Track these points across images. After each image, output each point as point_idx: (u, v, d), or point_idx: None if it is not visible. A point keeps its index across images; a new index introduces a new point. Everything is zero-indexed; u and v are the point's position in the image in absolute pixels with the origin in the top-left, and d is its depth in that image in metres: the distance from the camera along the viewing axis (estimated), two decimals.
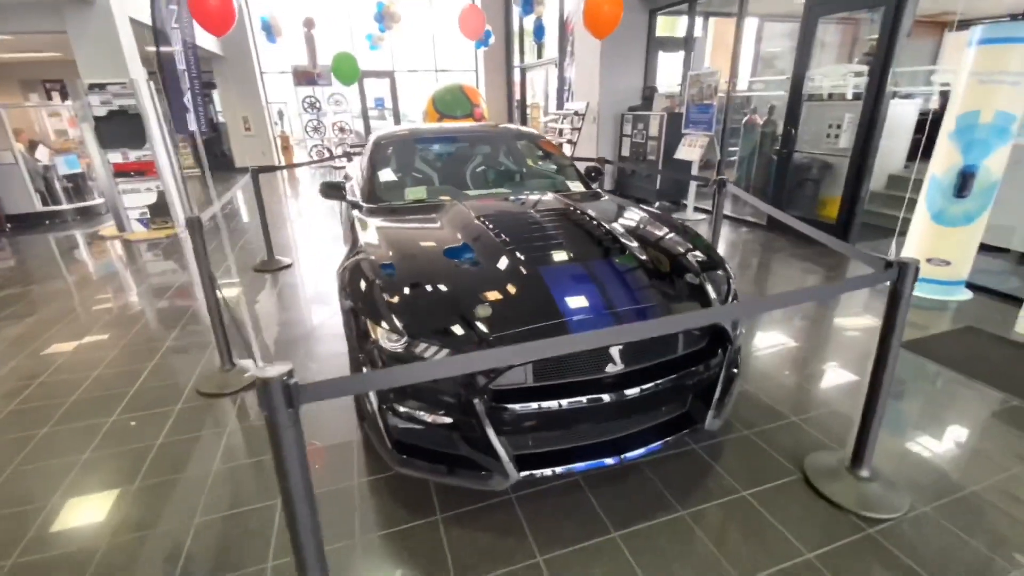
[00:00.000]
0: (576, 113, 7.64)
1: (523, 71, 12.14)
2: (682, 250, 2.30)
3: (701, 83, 6.14)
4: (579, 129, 7.86)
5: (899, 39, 4.48)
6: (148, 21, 6.05)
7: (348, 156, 6.68)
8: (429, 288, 1.96)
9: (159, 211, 6.33)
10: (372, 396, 1.88)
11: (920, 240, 4.09)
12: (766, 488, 2.03)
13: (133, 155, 5.98)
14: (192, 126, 6.08)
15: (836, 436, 2.33)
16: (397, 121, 13.37)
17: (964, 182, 3.76)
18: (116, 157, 5.92)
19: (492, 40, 10.34)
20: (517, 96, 12.81)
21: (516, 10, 11.97)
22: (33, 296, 4.42)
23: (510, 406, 1.74)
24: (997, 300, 3.95)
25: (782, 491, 2.02)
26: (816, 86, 7.20)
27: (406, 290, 1.94)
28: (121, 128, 5.75)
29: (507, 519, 1.90)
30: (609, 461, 1.86)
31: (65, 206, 7.46)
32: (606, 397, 1.80)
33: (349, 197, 3.12)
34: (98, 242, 6.20)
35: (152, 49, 6.28)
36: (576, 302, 1.87)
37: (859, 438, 2.02)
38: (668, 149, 6.85)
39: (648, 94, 7.47)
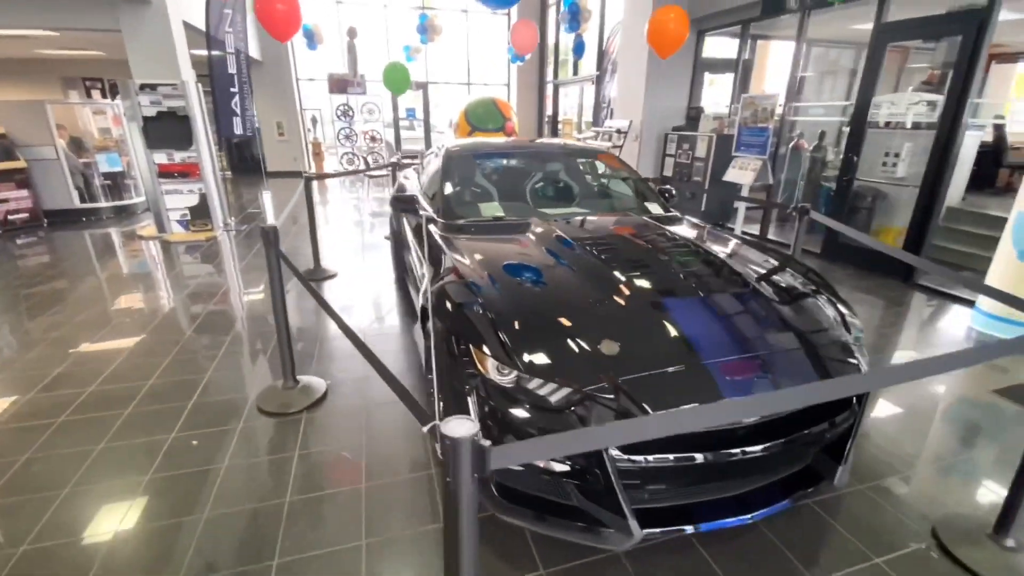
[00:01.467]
0: (618, 131, 7.53)
1: (556, 87, 12.11)
2: (802, 286, 2.13)
3: (756, 106, 6.00)
4: (620, 147, 7.74)
5: (978, 68, 4.31)
6: (200, 24, 6.05)
7: (392, 167, 6.58)
8: (544, 318, 1.80)
9: (199, 213, 6.28)
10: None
11: (1003, 278, 3.87)
12: (899, 555, 1.83)
13: (178, 156, 5.94)
14: (239, 129, 6.04)
15: (965, 499, 2.13)
16: (427, 133, 13.36)
17: None
18: (161, 158, 5.89)
19: (528, 56, 10.32)
20: (548, 111, 12.76)
21: (552, 26, 11.99)
22: (79, 294, 4.34)
23: (637, 457, 1.57)
24: None
25: (916, 559, 1.82)
26: (874, 113, 7.04)
27: (519, 319, 1.79)
28: (169, 129, 5.71)
29: None
30: (733, 520, 1.68)
31: (103, 204, 7.45)
32: (737, 449, 1.62)
33: (422, 211, 3.00)
34: (137, 242, 6.15)
35: (199, 52, 6.29)
36: (711, 341, 1.71)
37: (1009, 502, 1.82)
38: (715, 171, 6.69)
39: (694, 114, 7.34)
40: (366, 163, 11.06)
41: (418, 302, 2.49)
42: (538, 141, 3.71)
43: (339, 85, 11.98)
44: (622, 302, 1.86)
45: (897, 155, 6.20)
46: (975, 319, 4.04)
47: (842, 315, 2.03)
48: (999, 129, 7.84)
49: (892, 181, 6.24)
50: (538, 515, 1.65)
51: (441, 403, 2.36)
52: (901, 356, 3.48)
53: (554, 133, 12.32)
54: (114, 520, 1.94)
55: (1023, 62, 9.26)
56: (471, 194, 3.09)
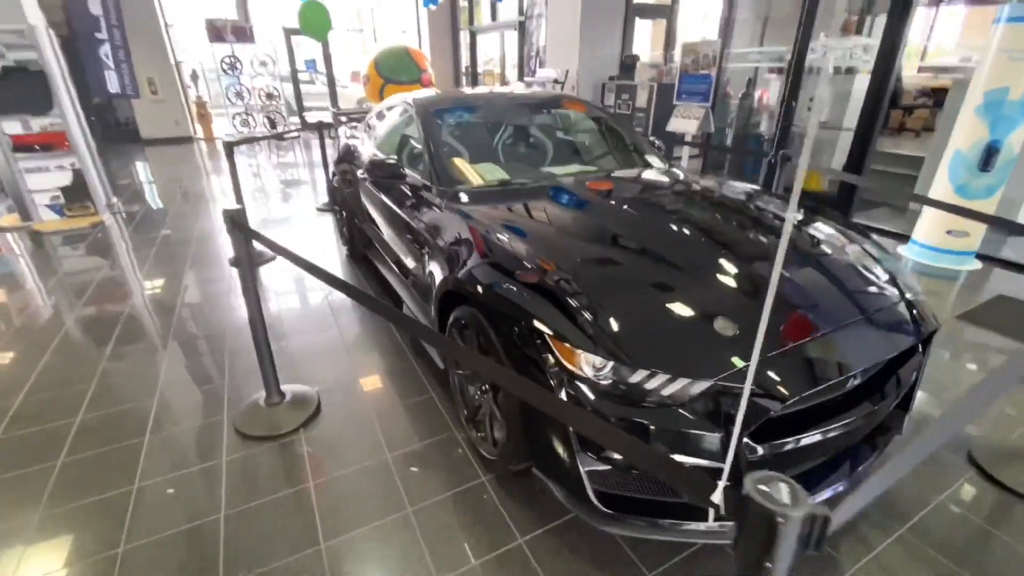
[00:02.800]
0: (555, 81, 7.20)
1: (473, 34, 11.36)
2: (858, 242, 2.05)
3: (697, 52, 5.94)
4: None
5: (911, 12, 4.51)
6: None
7: (325, 126, 5.77)
8: (635, 297, 1.55)
9: (76, 194, 5.12)
10: (572, 438, 1.46)
11: (939, 213, 4.21)
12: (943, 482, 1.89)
13: (37, 124, 4.72)
14: (114, 87, 4.93)
15: (986, 424, 2.25)
16: (332, 87, 12.05)
17: (989, 157, 3.88)
18: (14, 127, 4.65)
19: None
20: (466, 62, 12.02)
21: None
22: None
23: (765, 444, 1.41)
24: (1001, 267, 4.19)
25: (957, 483, 1.89)
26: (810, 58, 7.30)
27: (607, 299, 1.52)
28: (20, 89, 4.49)
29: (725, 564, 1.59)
30: (842, 487, 1.61)
31: None
32: (852, 414, 1.53)
33: (412, 179, 2.56)
34: None
35: None
36: (822, 309, 1.56)
37: None
38: (657, 121, 6.65)
39: (630, 63, 7.19)
40: (270, 123, 9.75)
41: (433, 293, 2.12)
42: (520, 92, 3.32)
43: (221, 33, 10.32)
44: (717, 274, 1.65)
45: (821, 99, 6.52)
46: (911, 251, 4.39)
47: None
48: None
49: (794, 125, 6.57)
50: (652, 521, 1.45)
51: (465, 412, 2.06)
52: None
53: (474, 85, 11.65)
54: None
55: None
56: (459, 156, 2.69)
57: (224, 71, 10.81)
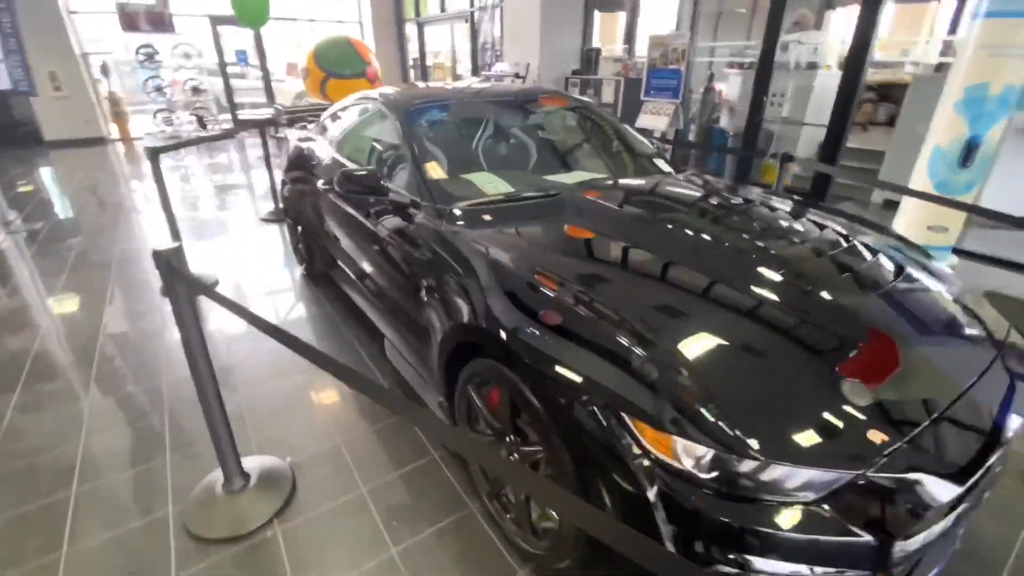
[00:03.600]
0: (516, 76, 6.82)
1: (420, 26, 10.76)
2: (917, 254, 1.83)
3: (666, 46, 5.74)
4: None
5: (881, 6, 4.47)
6: None
7: (267, 124, 5.11)
8: (735, 356, 1.22)
9: None
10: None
11: (918, 209, 4.19)
12: None
13: None
14: (2, 83, 4.10)
15: None
16: (267, 81, 11.09)
17: (969, 152, 3.87)
18: None
19: None
20: (414, 55, 11.40)
21: None
22: None
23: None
24: (977, 262, 4.24)
25: None
26: (754, 55, 7.28)
27: (698, 363, 1.18)
28: None
29: None
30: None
31: None
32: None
33: (396, 194, 2.12)
34: None
35: None
36: (952, 361, 1.30)
37: None
38: (624, 117, 6.42)
39: (592, 56, 6.92)
40: (198, 121, 8.77)
41: (436, 343, 1.72)
42: (502, 87, 2.92)
43: (135, 21, 9.21)
44: (824, 319, 1.34)
45: (783, 95, 6.53)
46: None
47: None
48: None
49: (778, 120, 6.58)
50: None
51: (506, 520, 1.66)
52: None
53: (424, 80, 11.06)
54: None
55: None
56: (450, 164, 2.27)
57: (141, 64, 9.68)
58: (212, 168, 7.65)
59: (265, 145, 5.12)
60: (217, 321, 3.07)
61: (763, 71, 5.41)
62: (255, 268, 3.93)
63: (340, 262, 2.92)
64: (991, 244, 4.54)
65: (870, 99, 8.58)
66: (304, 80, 9.11)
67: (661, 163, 2.66)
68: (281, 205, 4.23)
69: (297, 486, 1.86)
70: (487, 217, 1.87)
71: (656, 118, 5.99)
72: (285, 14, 11.51)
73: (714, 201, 2.10)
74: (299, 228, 3.59)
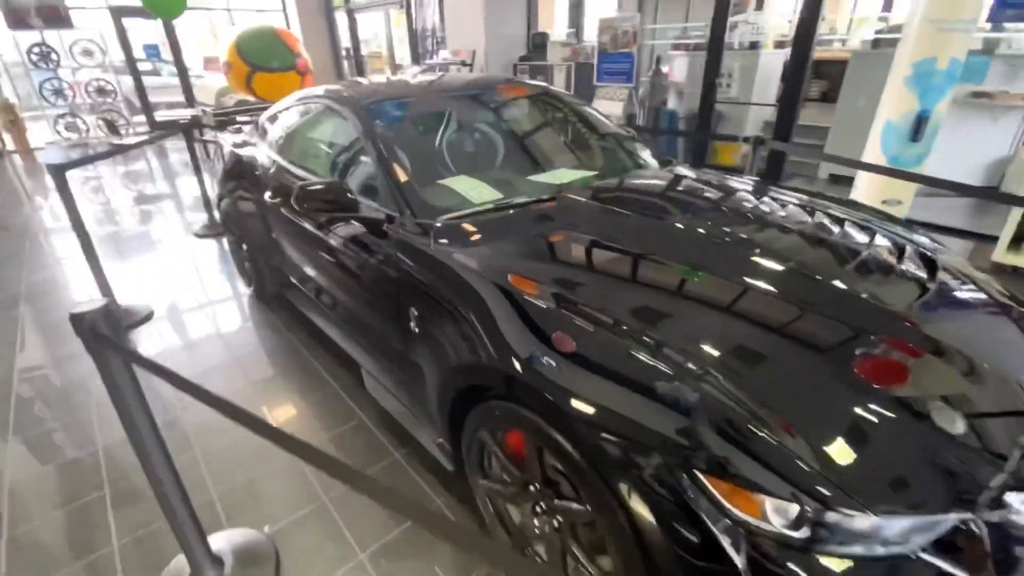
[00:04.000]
0: (463, 63, 6.51)
1: (351, 13, 10.14)
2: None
3: (615, 29, 5.61)
4: None
5: None
6: None
7: (194, 126, 4.57)
8: (819, 393, 1.06)
9: None
10: None
11: (872, 183, 4.29)
12: None
13: None
14: None
15: None
16: (184, 78, 10.14)
17: (919, 126, 3.97)
18: None
19: None
20: (346, 44, 10.76)
21: None
22: None
23: None
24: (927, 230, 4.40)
25: None
26: (699, 37, 7.30)
27: (780, 402, 1.01)
28: None
29: None
30: None
31: None
32: None
33: (367, 208, 1.83)
34: None
35: None
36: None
37: None
38: None
39: (539, 41, 6.71)
40: (110, 127, 7.85)
41: (437, 386, 1.49)
42: (471, 78, 2.65)
43: (24, 17, 8.12)
44: (899, 337, 1.20)
45: (731, 76, 6.57)
46: None
47: None
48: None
49: (727, 100, 6.64)
50: None
51: None
52: None
53: (359, 71, 10.48)
54: None
55: None
56: (424, 170, 2.00)
57: (35, 64, 8.58)
58: (130, 177, 6.89)
59: (192, 150, 4.59)
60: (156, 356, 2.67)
61: (714, 52, 5.38)
62: (195, 292, 3.50)
63: (297, 282, 2.60)
64: (933, 212, 4.75)
65: None
66: (227, 75, 8.37)
67: (646, 154, 2.50)
68: (218, 218, 3.79)
69: (281, 562, 1.58)
70: (479, 232, 1.63)
71: (611, 103, 5.88)
72: (197, 3, 10.56)
73: (732, 201, 1.87)
74: (243, 246, 3.20)
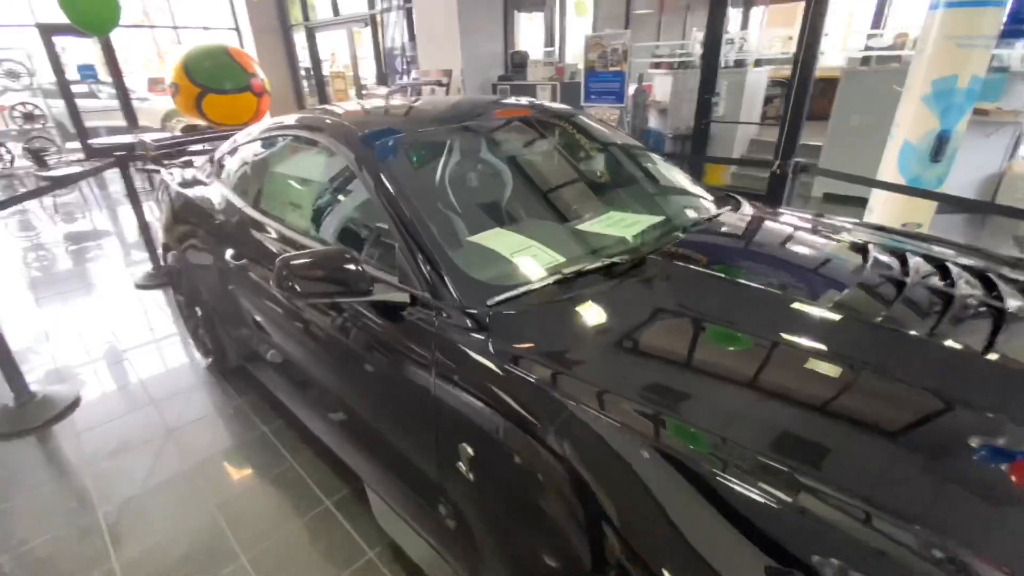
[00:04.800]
0: (439, 83, 6.06)
1: (311, 32, 9.55)
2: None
3: (604, 47, 5.29)
4: None
5: (827, 3, 4.31)
6: None
7: (130, 159, 3.88)
8: None
9: None
10: None
11: (887, 205, 4.06)
12: None
13: None
14: None
15: None
16: (126, 101, 9.25)
17: (940, 146, 3.75)
18: None
19: None
20: (305, 64, 10.15)
21: None
22: None
23: None
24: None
25: None
26: (692, 54, 7.11)
27: None
28: None
29: None
30: None
31: None
32: None
33: (380, 288, 1.30)
34: None
35: None
36: None
37: None
38: None
39: (519, 60, 6.34)
40: (34, 156, 6.89)
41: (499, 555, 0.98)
42: (469, 98, 2.17)
43: None
44: None
45: (717, 94, 6.36)
46: None
47: None
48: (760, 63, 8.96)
49: (714, 120, 6.41)
50: None
51: None
52: None
53: (321, 95, 9.86)
54: None
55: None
56: (450, 225, 1.50)
57: None
58: (61, 211, 6.05)
59: (130, 187, 3.89)
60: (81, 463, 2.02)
61: (708, 71, 5.13)
62: (138, 363, 2.84)
63: (271, 362, 2.02)
64: (949, 231, 4.57)
65: (775, 95, 8.84)
66: (174, 98, 7.67)
67: (698, 188, 2.07)
68: (163, 268, 3.16)
69: None
70: (555, 323, 1.13)
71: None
72: (137, 20, 9.77)
73: (874, 271, 1.36)
74: (195, 310, 2.59)
